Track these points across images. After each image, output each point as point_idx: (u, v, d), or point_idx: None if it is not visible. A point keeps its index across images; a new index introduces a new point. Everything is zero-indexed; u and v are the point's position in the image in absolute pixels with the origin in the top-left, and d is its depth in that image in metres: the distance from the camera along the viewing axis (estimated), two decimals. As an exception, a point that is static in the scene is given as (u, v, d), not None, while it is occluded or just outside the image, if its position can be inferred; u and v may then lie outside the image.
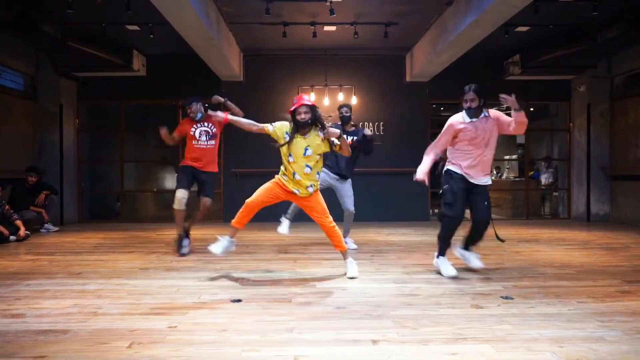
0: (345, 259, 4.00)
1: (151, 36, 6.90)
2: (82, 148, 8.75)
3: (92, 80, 8.47)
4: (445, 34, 6.37)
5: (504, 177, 10.93)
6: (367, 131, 5.13)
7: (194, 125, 5.08)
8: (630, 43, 7.38)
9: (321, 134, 3.72)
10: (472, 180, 3.94)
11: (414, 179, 4.10)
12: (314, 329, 2.62)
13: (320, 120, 3.73)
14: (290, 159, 3.75)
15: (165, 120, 9.54)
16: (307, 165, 3.75)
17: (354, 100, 8.36)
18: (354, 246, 5.37)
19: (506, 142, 10.70)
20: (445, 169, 4.11)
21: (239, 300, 3.21)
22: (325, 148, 3.80)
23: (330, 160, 5.06)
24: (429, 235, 6.64)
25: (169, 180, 11.39)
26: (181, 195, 4.92)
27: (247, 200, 3.86)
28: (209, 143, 5.10)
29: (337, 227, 3.92)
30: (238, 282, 3.80)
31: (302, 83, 8.46)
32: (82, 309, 3.02)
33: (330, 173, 5.11)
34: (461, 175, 3.95)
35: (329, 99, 8.36)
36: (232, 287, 3.60)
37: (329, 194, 5.13)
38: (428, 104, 8.78)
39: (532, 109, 10.34)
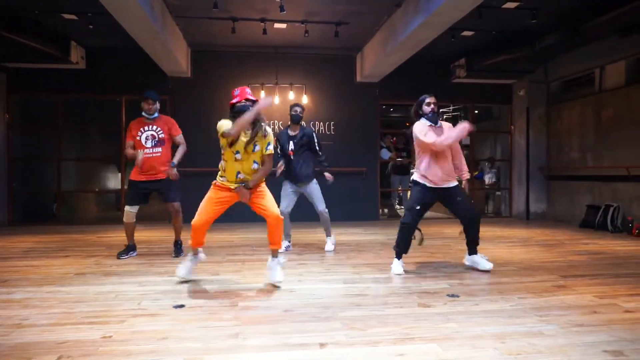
0: (274, 256, 3.64)
1: (90, 26, 6.51)
2: (13, 145, 8.13)
3: (24, 71, 7.88)
4: (394, 35, 6.46)
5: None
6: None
7: (142, 129, 4.72)
8: (563, 51, 7.83)
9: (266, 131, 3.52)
10: (438, 186, 4.04)
11: (466, 130, 3.86)
12: (259, 334, 2.54)
13: (261, 117, 3.50)
14: (238, 156, 3.48)
15: (107, 117, 9.16)
16: (255, 162, 3.54)
17: (304, 100, 8.31)
18: (332, 247, 5.24)
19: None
20: (412, 179, 4.23)
21: (182, 306, 3.07)
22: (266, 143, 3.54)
23: (292, 169, 5.01)
24: (379, 235, 6.72)
25: (112, 180, 10.87)
26: (128, 209, 4.76)
27: (193, 222, 3.54)
28: (154, 151, 4.70)
29: (283, 224, 3.65)
30: (182, 286, 3.63)
31: (252, 81, 8.30)
32: (5, 320, 2.76)
33: (290, 183, 5.08)
34: (426, 186, 4.05)
35: (279, 98, 8.27)
36: (176, 292, 3.44)
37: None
38: (378, 105, 8.88)
39: (477, 111, 10.75)
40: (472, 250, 4.28)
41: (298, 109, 5.07)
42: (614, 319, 2.78)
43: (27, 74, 7.92)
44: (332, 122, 8.60)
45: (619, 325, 2.66)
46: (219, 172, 3.65)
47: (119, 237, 6.52)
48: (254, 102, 3.51)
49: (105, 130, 10.36)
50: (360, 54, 8.38)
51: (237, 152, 3.48)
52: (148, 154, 4.69)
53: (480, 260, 4.21)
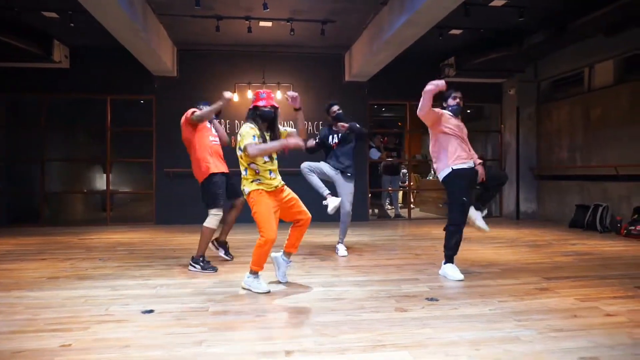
0: (288, 257, 3.71)
1: (71, 25, 6.38)
2: (-5, 145, 8.00)
3: (7, 71, 7.74)
4: (381, 33, 6.37)
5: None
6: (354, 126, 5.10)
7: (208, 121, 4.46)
8: (551, 49, 7.78)
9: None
10: (472, 163, 3.94)
11: (436, 84, 3.56)
12: (226, 341, 2.44)
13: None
14: (267, 158, 3.46)
15: (93, 116, 9.03)
16: (276, 159, 3.57)
17: (292, 99, 8.21)
18: (345, 253, 5.04)
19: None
20: (446, 174, 3.90)
21: (151, 311, 2.96)
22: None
23: (332, 156, 5.09)
24: (366, 236, 6.63)
25: (97, 181, 10.71)
26: (219, 212, 4.21)
27: (270, 237, 3.28)
28: (218, 142, 4.48)
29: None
30: (156, 290, 3.53)
31: (239, 80, 8.20)
32: (-37, 328, 2.65)
33: (332, 167, 5.06)
34: (465, 167, 3.86)
35: (267, 97, 8.16)
36: (147, 297, 3.33)
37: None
38: (367, 104, 8.80)
39: (469, 111, 10.72)
40: (478, 207, 4.09)
41: (336, 108, 5.19)
42: (593, 323, 2.70)
43: (10, 73, 7.78)
44: (320, 122, 8.49)
45: (599, 330, 2.58)
46: (252, 177, 3.44)
47: (100, 239, 6.41)
48: (275, 108, 3.55)
49: (91, 130, 10.22)
50: (349, 53, 8.29)
51: (269, 155, 3.49)
52: (217, 142, 4.43)
53: (478, 217, 4.09)
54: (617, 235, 6.49)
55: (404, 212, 9.63)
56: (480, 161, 4.03)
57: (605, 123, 7.15)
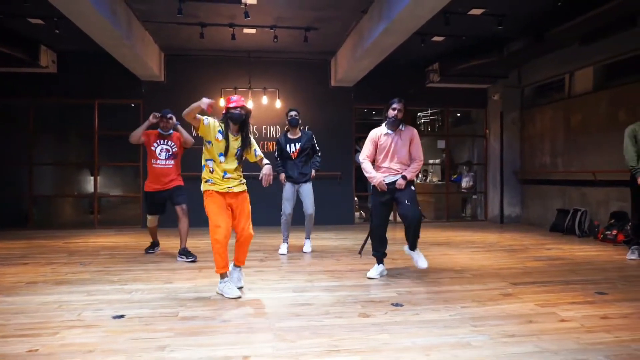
0: (231, 274, 3.71)
1: (57, 31, 6.45)
2: (-17, 149, 8.04)
3: (-6, 75, 7.82)
4: (362, 41, 6.47)
5: (427, 180, 11.31)
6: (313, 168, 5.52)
7: (157, 141, 5.05)
8: (530, 57, 7.91)
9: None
10: (388, 181, 4.10)
11: (380, 187, 4.08)
12: (188, 346, 2.53)
13: (247, 124, 3.70)
14: (222, 159, 3.58)
15: (83, 120, 9.09)
16: (238, 163, 3.68)
17: (278, 104, 8.31)
18: (309, 249, 5.62)
19: (431, 147, 11.08)
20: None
21: (122, 316, 3.05)
22: (250, 154, 3.75)
23: (293, 167, 5.41)
24: (349, 240, 6.72)
25: (85, 184, 10.77)
26: (150, 217, 5.31)
27: (217, 237, 3.47)
28: (167, 163, 5.04)
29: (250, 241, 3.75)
30: (131, 295, 3.61)
31: (225, 85, 8.28)
32: None
33: (290, 184, 5.44)
34: (374, 186, 4.18)
35: (252, 102, 8.25)
36: (121, 302, 3.41)
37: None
38: (353, 109, 8.90)
39: (458, 114, 10.87)
40: (411, 247, 4.26)
41: (293, 113, 5.43)
42: (546, 329, 2.79)
43: (-3, 78, 7.85)
44: (306, 127, 8.55)
45: (549, 335, 2.68)
46: (206, 176, 3.64)
47: (85, 242, 6.48)
48: (246, 110, 3.65)
49: (79, 134, 10.26)
50: (334, 59, 8.39)
51: (222, 154, 3.59)
52: (161, 164, 5.04)
53: (415, 256, 4.21)
54: (595, 239, 6.61)
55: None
56: (403, 174, 4.07)
57: (584, 129, 7.27)
